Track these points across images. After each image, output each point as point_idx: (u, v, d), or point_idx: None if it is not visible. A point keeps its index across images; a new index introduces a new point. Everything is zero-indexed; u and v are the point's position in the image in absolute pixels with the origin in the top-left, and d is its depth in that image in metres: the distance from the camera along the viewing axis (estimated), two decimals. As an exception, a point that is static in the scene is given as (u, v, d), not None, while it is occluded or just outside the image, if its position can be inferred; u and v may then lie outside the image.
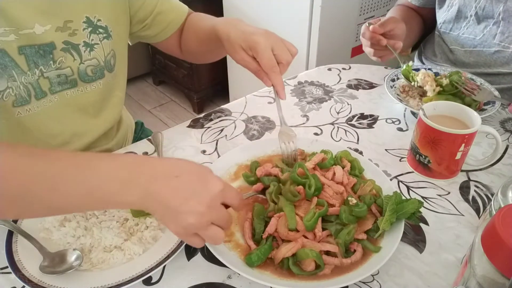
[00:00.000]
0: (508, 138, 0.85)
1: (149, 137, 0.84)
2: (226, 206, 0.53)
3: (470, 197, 0.71)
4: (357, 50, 1.94)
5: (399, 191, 0.68)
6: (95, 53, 0.76)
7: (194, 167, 0.51)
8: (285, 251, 0.56)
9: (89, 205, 0.53)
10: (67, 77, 0.73)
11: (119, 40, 0.81)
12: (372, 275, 0.58)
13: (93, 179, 0.49)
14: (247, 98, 1.00)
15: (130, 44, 0.91)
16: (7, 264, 0.56)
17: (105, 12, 0.76)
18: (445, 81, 0.89)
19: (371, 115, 0.93)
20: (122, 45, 0.84)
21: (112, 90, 0.84)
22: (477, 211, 0.68)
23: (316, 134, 0.87)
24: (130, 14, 0.82)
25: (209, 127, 0.89)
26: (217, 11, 2.15)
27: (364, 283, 0.57)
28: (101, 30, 0.76)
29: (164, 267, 0.59)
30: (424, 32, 1.23)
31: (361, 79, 1.07)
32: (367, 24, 0.99)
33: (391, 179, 0.74)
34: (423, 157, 0.73)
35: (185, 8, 0.90)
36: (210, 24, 0.80)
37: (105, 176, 0.49)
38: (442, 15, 1.09)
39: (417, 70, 1.02)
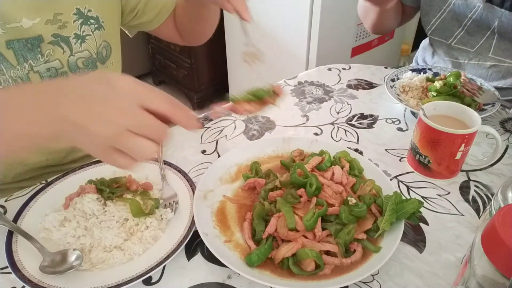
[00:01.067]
0: (508, 138, 0.85)
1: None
2: (165, 121, 0.44)
3: (470, 197, 0.71)
4: (357, 50, 1.94)
5: (399, 191, 0.68)
6: (87, 45, 0.75)
7: (98, 73, 0.44)
8: (285, 251, 0.56)
9: (5, 147, 0.47)
10: (57, 70, 0.73)
11: (112, 30, 0.81)
12: (372, 275, 0.58)
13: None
14: (247, 98, 0.99)
15: (130, 36, 0.90)
16: (7, 264, 0.56)
17: (95, 3, 0.75)
18: (438, 84, 0.90)
19: (371, 115, 0.93)
20: (115, 36, 0.83)
21: None
22: (477, 211, 0.68)
23: (316, 134, 0.87)
24: (122, 3, 0.81)
25: (209, 127, 0.89)
26: (217, 11, 2.15)
27: (364, 283, 0.57)
28: (92, 21, 0.75)
29: (164, 267, 0.59)
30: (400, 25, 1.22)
31: (361, 79, 1.07)
32: None
33: (391, 179, 0.74)
34: (423, 157, 0.73)
35: None
36: None
37: (7, 110, 0.43)
38: (432, 20, 1.07)
39: (418, 71, 1.02)
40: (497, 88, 0.99)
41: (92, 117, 0.41)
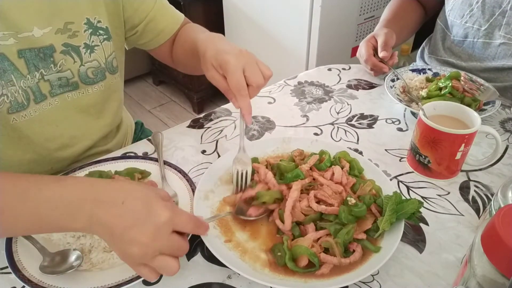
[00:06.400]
0: (508, 138, 0.85)
1: (149, 137, 0.85)
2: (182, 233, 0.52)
3: (470, 197, 0.71)
4: (357, 50, 1.94)
5: (399, 191, 0.68)
6: (96, 55, 0.75)
7: (141, 192, 0.50)
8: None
9: (36, 230, 0.55)
10: (68, 79, 0.73)
11: (119, 41, 0.81)
12: (372, 275, 0.58)
13: (37, 207, 0.49)
14: (247, 98, 0.99)
15: (127, 49, 0.91)
16: (7, 264, 0.56)
17: (105, 14, 0.76)
18: (424, 93, 0.90)
19: (371, 115, 0.93)
20: (121, 46, 0.84)
21: (113, 91, 0.83)
22: (477, 211, 0.68)
23: (316, 134, 0.87)
24: (124, 18, 0.81)
25: (209, 127, 0.89)
26: (217, 11, 2.15)
27: (364, 283, 0.57)
28: (101, 32, 0.75)
29: (164, 267, 0.59)
30: (424, 24, 1.23)
31: (361, 79, 1.07)
32: (372, 52, 1.01)
33: (391, 179, 0.74)
34: (423, 157, 0.73)
35: (180, 17, 0.88)
36: (194, 37, 0.77)
37: (48, 203, 0.49)
38: (451, 2, 1.07)
39: (418, 71, 1.02)
40: (505, 70, 0.99)
41: (128, 235, 0.47)
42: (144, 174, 0.72)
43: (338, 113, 0.94)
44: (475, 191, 0.72)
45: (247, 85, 0.65)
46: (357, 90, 1.02)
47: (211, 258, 0.59)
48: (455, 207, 0.69)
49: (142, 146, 0.83)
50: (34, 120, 0.71)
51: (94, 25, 0.74)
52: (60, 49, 0.70)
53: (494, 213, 0.46)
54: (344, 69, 1.13)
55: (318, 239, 0.59)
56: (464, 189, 0.73)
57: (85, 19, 0.73)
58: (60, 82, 0.72)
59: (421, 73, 1.02)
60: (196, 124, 0.90)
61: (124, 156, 0.78)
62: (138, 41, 0.88)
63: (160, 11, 0.84)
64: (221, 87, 0.68)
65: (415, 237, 0.63)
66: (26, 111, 0.69)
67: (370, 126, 0.89)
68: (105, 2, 0.76)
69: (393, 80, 0.98)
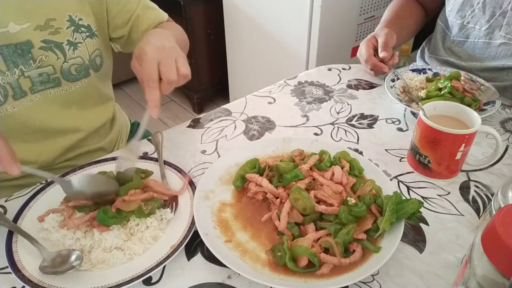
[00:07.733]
0: (508, 138, 0.85)
1: (149, 137, 0.85)
2: None
3: (470, 197, 0.71)
4: (357, 50, 1.94)
5: (399, 191, 0.68)
6: (79, 52, 0.76)
7: None
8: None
9: None
10: (49, 75, 0.73)
11: (104, 40, 0.82)
12: (372, 275, 0.58)
13: None
14: (247, 98, 0.99)
15: (116, 51, 0.91)
16: (7, 264, 0.56)
17: (86, 12, 0.76)
18: (422, 94, 0.90)
19: (371, 115, 0.93)
20: (107, 45, 0.85)
21: (98, 89, 0.84)
22: (477, 211, 0.68)
23: (316, 134, 0.87)
24: (108, 19, 0.82)
25: (209, 127, 0.89)
26: (217, 11, 2.15)
27: (364, 283, 0.57)
28: (83, 29, 0.76)
29: (164, 267, 0.59)
30: (424, 25, 1.23)
31: (361, 79, 1.07)
32: (373, 52, 1.01)
33: (391, 179, 0.74)
34: (423, 157, 0.73)
35: (163, 16, 0.88)
36: None
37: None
38: (451, 2, 1.07)
39: (418, 71, 1.02)
40: (505, 69, 0.99)
41: None
42: (146, 174, 0.71)
43: (338, 113, 0.94)
44: (475, 191, 0.72)
45: (161, 79, 0.63)
46: (357, 90, 1.02)
47: (211, 258, 0.59)
48: (455, 207, 0.69)
49: (142, 146, 0.83)
50: (12, 115, 0.71)
51: (76, 22, 0.75)
52: (39, 45, 0.70)
53: (494, 213, 0.46)
54: (344, 69, 1.13)
55: (318, 239, 0.59)
56: (464, 189, 0.73)
57: (68, 16, 0.73)
58: (41, 78, 0.72)
59: (421, 73, 1.02)
60: (196, 124, 0.90)
61: (124, 156, 0.78)
62: (127, 47, 0.88)
63: (143, 11, 0.85)
64: (138, 77, 0.65)
65: (415, 237, 0.63)
66: (3, 106, 0.69)
67: (370, 126, 0.89)
68: (90, 1, 0.76)
69: (393, 80, 0.98)
